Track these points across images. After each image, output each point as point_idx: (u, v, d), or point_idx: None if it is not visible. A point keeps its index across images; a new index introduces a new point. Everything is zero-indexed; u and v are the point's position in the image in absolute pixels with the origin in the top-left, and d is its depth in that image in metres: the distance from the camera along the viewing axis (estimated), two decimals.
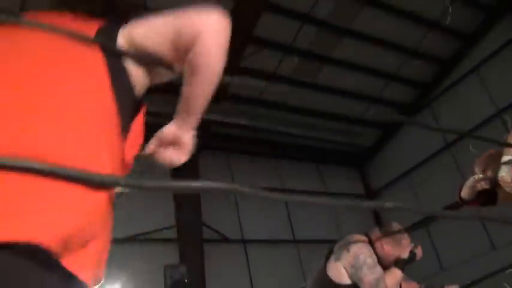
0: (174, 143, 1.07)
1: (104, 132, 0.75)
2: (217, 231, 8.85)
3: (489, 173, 2.59)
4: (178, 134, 1.05)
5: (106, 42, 0.79)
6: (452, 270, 9.01)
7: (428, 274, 9.38)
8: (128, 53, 0.85)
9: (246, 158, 9.86)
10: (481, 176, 2.59)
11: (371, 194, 11.41)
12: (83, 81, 0.76)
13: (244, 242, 9.23)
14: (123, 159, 0.82)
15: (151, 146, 1.08)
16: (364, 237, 2.84)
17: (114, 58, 0.84)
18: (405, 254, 2.62)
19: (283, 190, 10.28)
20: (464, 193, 2.75)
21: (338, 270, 2.72)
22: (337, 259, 2.74)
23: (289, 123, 9.42)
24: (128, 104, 0.89)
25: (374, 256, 2.66)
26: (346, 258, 2.69)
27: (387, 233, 2.72)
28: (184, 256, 7.85)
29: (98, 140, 0.72)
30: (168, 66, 0.91)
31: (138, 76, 0.92)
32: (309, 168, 10.72)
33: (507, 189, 2.37)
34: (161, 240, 8.15)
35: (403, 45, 9.00)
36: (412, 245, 2.72)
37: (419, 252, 2.73)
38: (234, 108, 8.86)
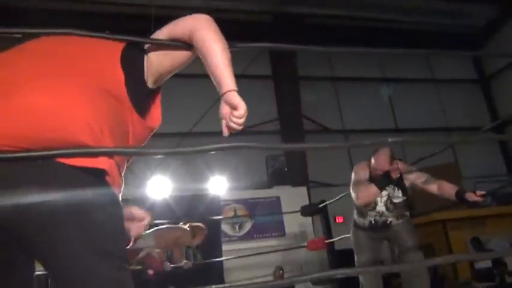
0: (231, 108, 1.27)
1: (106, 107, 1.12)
2: (317, 122, 9.20)
3: None
4: (227, 101, 1.26)
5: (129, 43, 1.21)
6: None
7: None
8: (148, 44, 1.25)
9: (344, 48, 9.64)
10: None
11: (485, 79, 10.56)
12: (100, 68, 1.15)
13: (344, 132, 9.49)
14: (136, 127, 1.21)
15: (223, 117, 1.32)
16: (368, 161, 3.53)
17: (131, 54, 1.21)
18: (381, 172, 3.29)
19: (385, 79, 10.05)
20: None
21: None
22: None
23: (390, 8, 8.84)
24: (140, 88, 1.22)
25: (363, 174, 3.43)
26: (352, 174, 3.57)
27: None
28: (286, 143, 8.37)
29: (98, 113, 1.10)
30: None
31: (155, 67, 1.26)
32: (413, 55, 10.14)
33: None
34: (265, 132, 8.71)
35: None
36: (392, 166, 3.32)
37: (393, 172, 3.29)
38: None
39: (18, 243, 1.04)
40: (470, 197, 3.00)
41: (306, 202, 6.78)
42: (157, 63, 1.26)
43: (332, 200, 5.00)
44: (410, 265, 3.52)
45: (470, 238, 6.96)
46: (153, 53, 1.25)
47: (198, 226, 4.62)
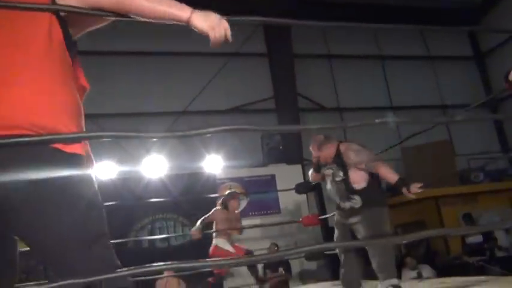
0: (208, 31, 1.26)
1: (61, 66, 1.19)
2: (312, 101, 9.20)
3: None
4: (198, 27, 1.26)
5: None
6: None
7: None
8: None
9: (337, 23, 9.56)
10: None
11: (480, 56, 10.55)
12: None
13: (340, 110, 9.50)
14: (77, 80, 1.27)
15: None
16: None
17: (65, 28, 1.24)
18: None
19: (380, 57, 10.02)
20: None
21: None
22: None
23: None
24: (71, 45, 1.26)
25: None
26: None
27: None
28: (282, 125, 8.39)
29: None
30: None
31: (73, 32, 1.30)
32: (409, 31, 10.06)
33: None
34: (261, 110, 8.74)
35: None
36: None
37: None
38: None
39: (8, 224, 1.08)
40: (405, 192, 3.23)
41: (301, 180, 6.85)
42: (73, 29, 1.29)
43: None
44: (412, 235, 3.53)
45: (462, 214, 7.09)
46: (70, 20, 1.27)
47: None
